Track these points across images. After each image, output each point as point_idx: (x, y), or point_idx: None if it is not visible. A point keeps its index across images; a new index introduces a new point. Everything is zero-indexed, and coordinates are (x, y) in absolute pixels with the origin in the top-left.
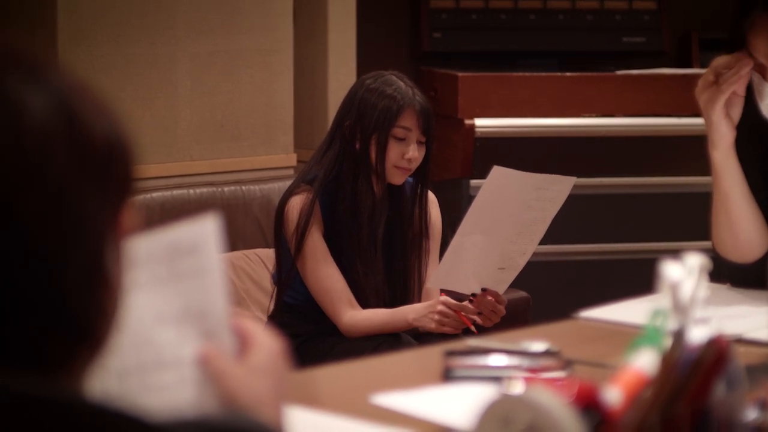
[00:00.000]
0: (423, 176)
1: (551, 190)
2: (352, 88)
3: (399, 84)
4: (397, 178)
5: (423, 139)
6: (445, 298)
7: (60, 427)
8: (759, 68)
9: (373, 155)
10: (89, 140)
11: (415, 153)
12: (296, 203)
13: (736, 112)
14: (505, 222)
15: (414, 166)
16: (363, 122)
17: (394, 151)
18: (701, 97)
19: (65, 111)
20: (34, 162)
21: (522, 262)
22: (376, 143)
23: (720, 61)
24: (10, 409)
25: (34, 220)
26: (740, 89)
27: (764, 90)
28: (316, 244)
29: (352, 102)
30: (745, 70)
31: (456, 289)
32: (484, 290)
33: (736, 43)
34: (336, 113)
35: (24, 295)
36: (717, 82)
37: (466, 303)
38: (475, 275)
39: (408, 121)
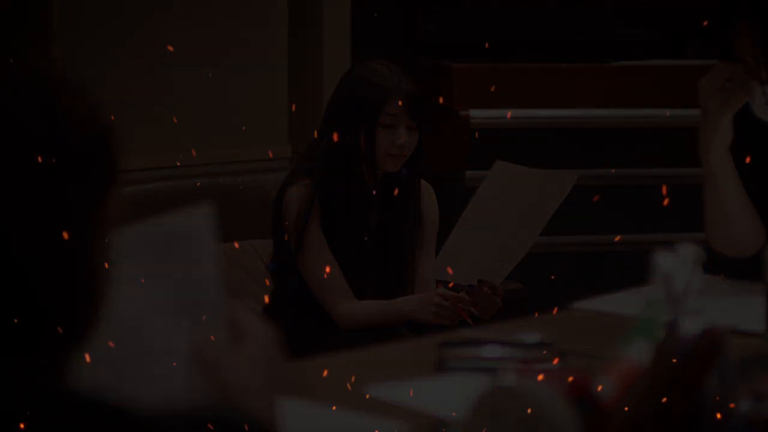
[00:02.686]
0: (416, 165)
1: (553, 186)
2: (340, 80)
3: (383, 71)
4: (391, 165)
5: (413, 124)
6: (441, 290)
7: (48, 419)
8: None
9: (362, 145)
10: (71, 132)
11: (405, 138)
12: (295, 195)
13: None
14: (506, 216)
15: (407, 152)
16: (350, 113)
17: (383, 139)
18: (711, 102)
19: (46, 103)
20: (14, 154)
21: (520, 254)
22: (365, 133)
23: (727, 69)
24: None
25: (16, 212)
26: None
27: (755, 91)
28: (315, 237)
29: (340, 94)
30: (755, 83)
31: (454, 280)
32: (480, 282)
33: (724, 54)
34: (326, 105)
35: (7, 287)
36: (729, 87)
37: (462, 294)
38: (473, 267)
39: (394, 108)
